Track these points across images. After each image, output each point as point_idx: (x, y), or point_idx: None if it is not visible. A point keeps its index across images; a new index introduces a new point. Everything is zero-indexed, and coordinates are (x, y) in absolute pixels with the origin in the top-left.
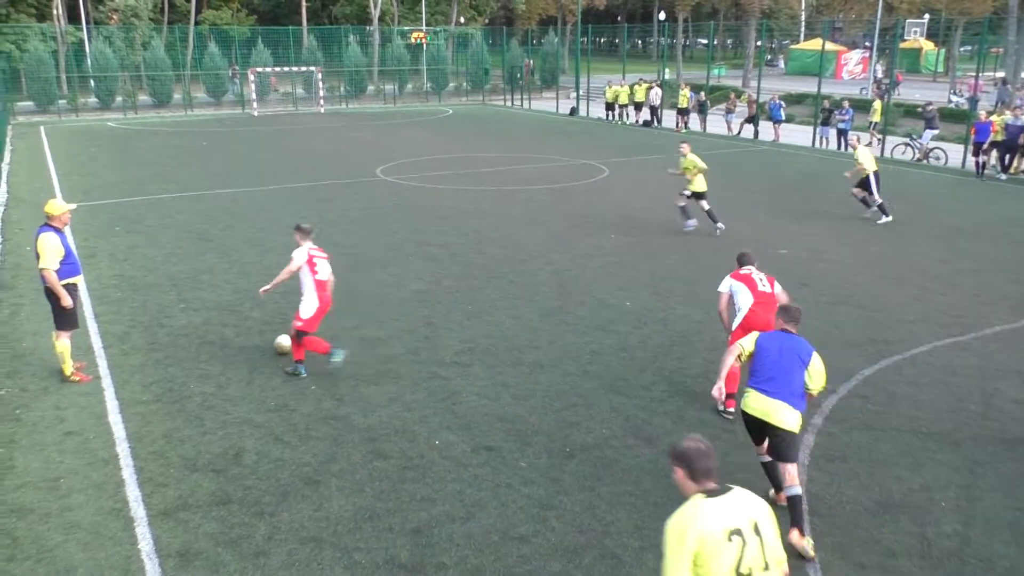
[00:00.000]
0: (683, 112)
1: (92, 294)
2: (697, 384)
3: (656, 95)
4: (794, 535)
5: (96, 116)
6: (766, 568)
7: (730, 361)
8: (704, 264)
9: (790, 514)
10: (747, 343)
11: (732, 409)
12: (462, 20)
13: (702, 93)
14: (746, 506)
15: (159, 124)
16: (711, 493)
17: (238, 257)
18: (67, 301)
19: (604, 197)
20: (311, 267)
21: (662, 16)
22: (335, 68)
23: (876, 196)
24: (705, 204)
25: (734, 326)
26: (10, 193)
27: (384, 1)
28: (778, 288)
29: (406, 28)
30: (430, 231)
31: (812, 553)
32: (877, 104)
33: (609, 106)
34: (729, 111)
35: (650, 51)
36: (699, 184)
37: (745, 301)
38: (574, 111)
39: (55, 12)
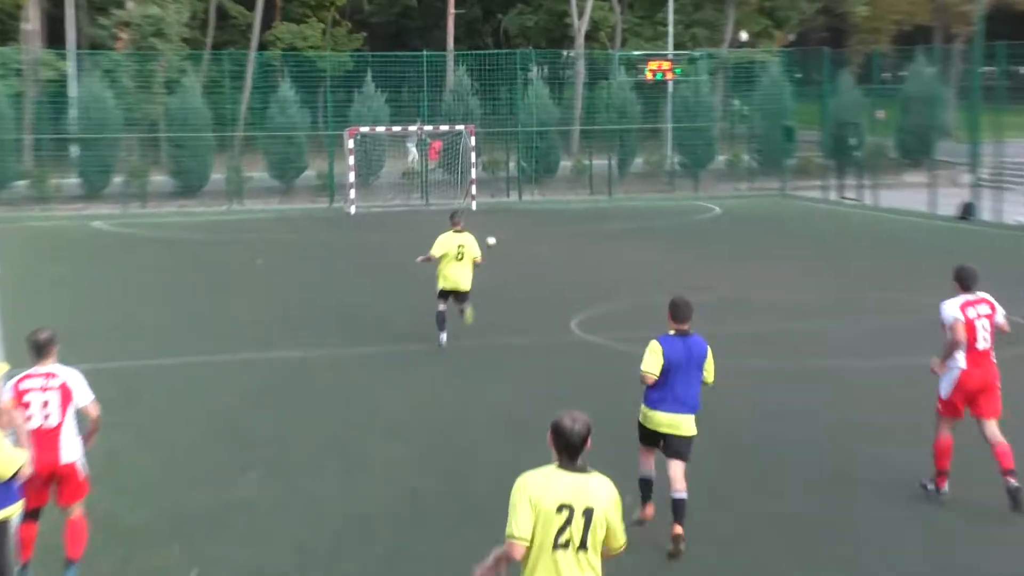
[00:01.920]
0: None
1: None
2: None
3: None
4: (678, 528)
5: (77, 210)
6: (582, 547)
7: None
8: None
9: (677, 515)
10: (653, 365)
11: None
12: (743, 37)
13: None
14: (588, 491)
15: (184, 226)
16: (566, 467)
17: (299, 480)
18: None
19: None
20: (22, 406)
21: None
22: (499, 125)
23: None
24: None
25: (946, 390)
26: None
27: (598, 7)
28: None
29: (635, 53)
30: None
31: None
32: None
33: None
34: None
35: None
36: None
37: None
38: (969, 210)
39: (24, 26)
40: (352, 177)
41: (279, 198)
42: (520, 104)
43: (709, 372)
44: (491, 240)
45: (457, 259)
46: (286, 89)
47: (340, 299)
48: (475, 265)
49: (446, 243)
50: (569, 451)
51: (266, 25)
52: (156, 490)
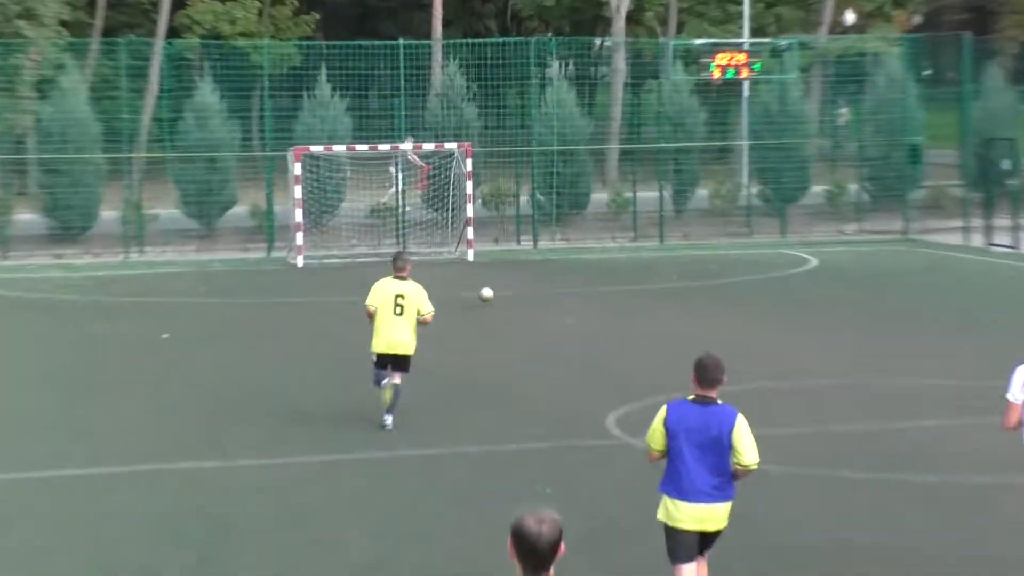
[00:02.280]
0: None
1: None
2: None
3: None
4: None
5: None
6: None
7: None
8: None
9: None
10: (652, 436)
11: None
12: (849, 19)
13: None
14: None
15: (62, 285)
16: None
17: None
18: None
19: None
20: None
21: None
22: (506, 143)
23: None
24: None
25: None
26: None
27: None
28: None
29: (697, 43)
30: None
31: None
32: None
33: None
34: None
35: None
36: None
37: None
38: None
39: None
40: (299, 215)
41: (196, 245)
42: (535, 113)
43: (742, 450)
44: (486, 292)
45: (395, 313)
46: (206, 92)
47: (278, 389)
48: (419, 324)
49: (382, 293)
50: (535, 561)
51: (178, 3)
52: None
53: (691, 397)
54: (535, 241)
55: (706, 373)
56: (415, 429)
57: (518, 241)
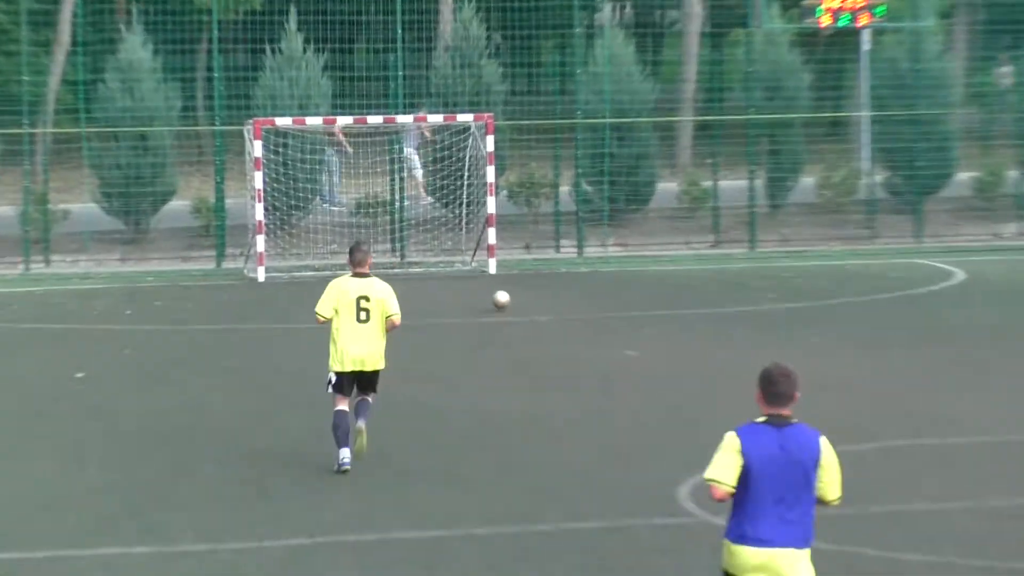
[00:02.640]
0: None
1: None
2: None
3: None
4: None
5: None
6: None
7: None
8: None
9: None
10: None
11: None
12: None
13: None
14: None
15: None
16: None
17: None
18: None
19: None
20: None
21: None
22: (540, 114)
23: None
24: None
25: None
26: None
27: None
28: None
29: None
30: None
31: None
32: None
33: None
34: None
35: None
36: None
37: None
38: None
39: None
40: (259, 212)
41: (121, 252)
42: (580, 74)
43: (827, 482)
44: (502, 297)
45: (358, 320)
46: (135, 46)
47: (230, 447)
48: (387, 329)
49: (340, 295)
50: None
51: None
52: None
53: (761, 419)
54: (580, 247)
55: (775, 387)
56: (414, 500)
57: (557, 247)
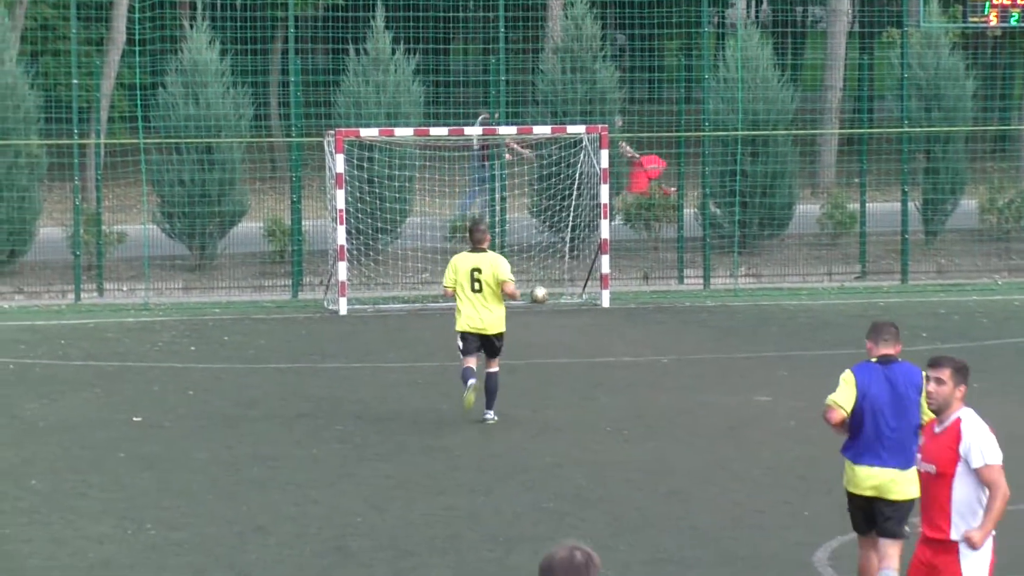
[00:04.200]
0: None
1: None
2: None
3: None
4: None
5: None
6: None
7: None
8: None
9: None
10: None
11: None
12: None
13: None
14: None
15: None
16: None
17: None
18: None
19: None
20: None
21: None
22: (660, 125)
23: None
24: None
25: None
26: None
27: None
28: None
29: None
30: None
31: None
32: None
33: None
34: None
35: None
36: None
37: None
38: None
39: None
40: (342, 236)
41: (184, 280)
42: (709, 79)
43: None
44: (540, 292)
45: (474, 290)
46: (200, 45)
47: (307, 506)
48: (503, 295)
49: (458, 269)
50: None
51: None
52: None
53: (873, 359)
54: (707, 278)
55: (881, 332)
56: (519, 565)
57: (680, 278)
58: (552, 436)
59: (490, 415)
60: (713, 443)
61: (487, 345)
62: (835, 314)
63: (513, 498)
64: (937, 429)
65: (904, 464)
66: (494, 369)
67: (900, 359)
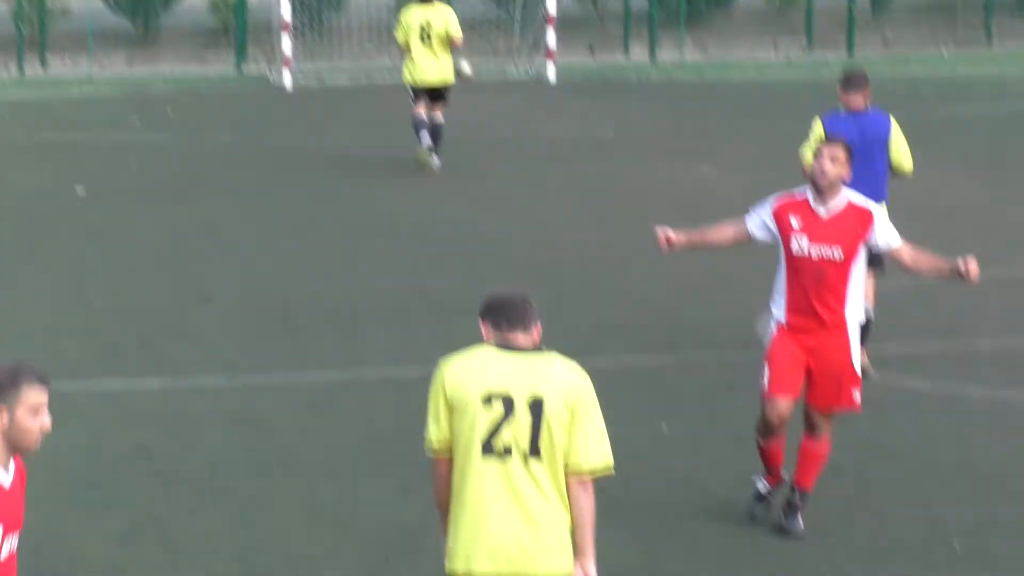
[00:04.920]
0: None
1: None
2: None
3: None
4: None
5: None
6: (536, 455)
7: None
8: None
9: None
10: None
11: None
12: None
13: None
14: (539, 376)
15: None
16: (505, 347)
17: None
18: None
19: None
20: None
21: None
22: None
23: None
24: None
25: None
26: None
27: None
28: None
29: None
30: None
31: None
32: None
33: None
34: None
35: None
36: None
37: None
38: None
39: None
40: (286, 9)
41: (127, 53)
42: None
43: (898, 154)
44: (466, 68)
45: (423, 42)
46: None
47: (245, 275)
48: (451, 47)
49: (407, 22)
50: (514, 325)
51: None
52: None
53: (843, 110)
54: (653, 52)
55: (852, 82)
56: (458, 334)
57: (626, 51)
58: (498, 208)
59: (435, 159)
60: (658, 216)
61: (433, 94)
62: (781, 88)
63: (457, 270)
64: (824, 213)
65: (878, 199)
66: (439, 120)
67: (871, 109)
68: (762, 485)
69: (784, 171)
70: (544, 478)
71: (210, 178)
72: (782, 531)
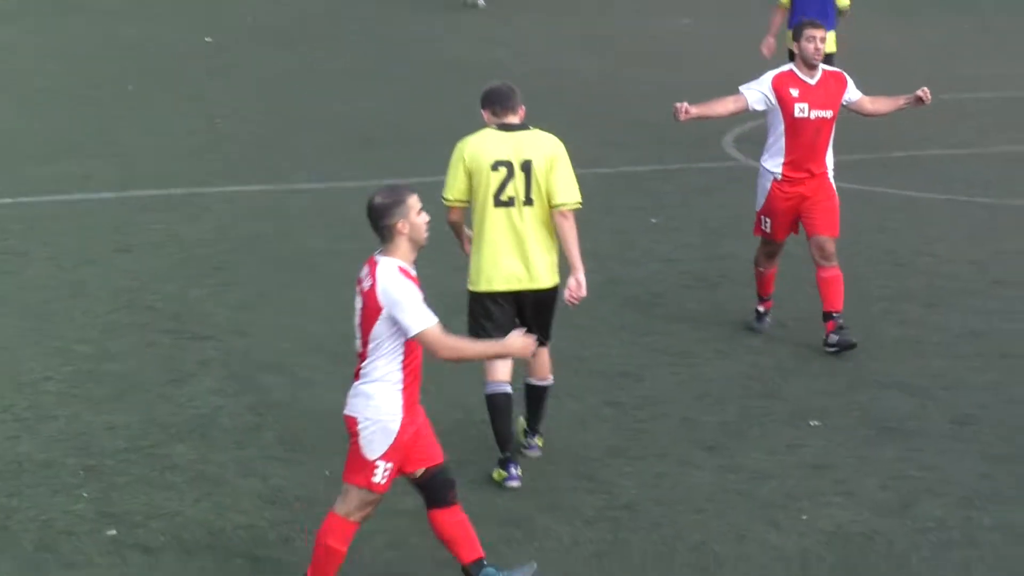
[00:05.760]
0: None
1: None
2: None
3: None
4: None
5: None
6: (527, 202)
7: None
8: None
9: None
10: None
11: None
12: None
13: None
14: (527, 145)
15: None
16: (505, 127)
17: None
18: None
19: None
20: None
21: None
22: None
23: None
24: None
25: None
26: None
27: None
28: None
29: None
30: None
31: None
32: None
33: None
34: None
35: None
36: None
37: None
38: None
39: None
40: None
41: None
42: None
43: None
44: None
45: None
46: None
47: (346, 112)
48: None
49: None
50: (507, 111)
51: None
52: None
53: None
54: None
55: None
56: None
57: None
58: (511, 48)
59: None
60: (637, 59)
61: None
62: None
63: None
64: (812, 81)
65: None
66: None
67: None
68: (761, 308)
69: (755, 21)
70: (537, 219)
71: (313, 28)
72: (838, 347)
